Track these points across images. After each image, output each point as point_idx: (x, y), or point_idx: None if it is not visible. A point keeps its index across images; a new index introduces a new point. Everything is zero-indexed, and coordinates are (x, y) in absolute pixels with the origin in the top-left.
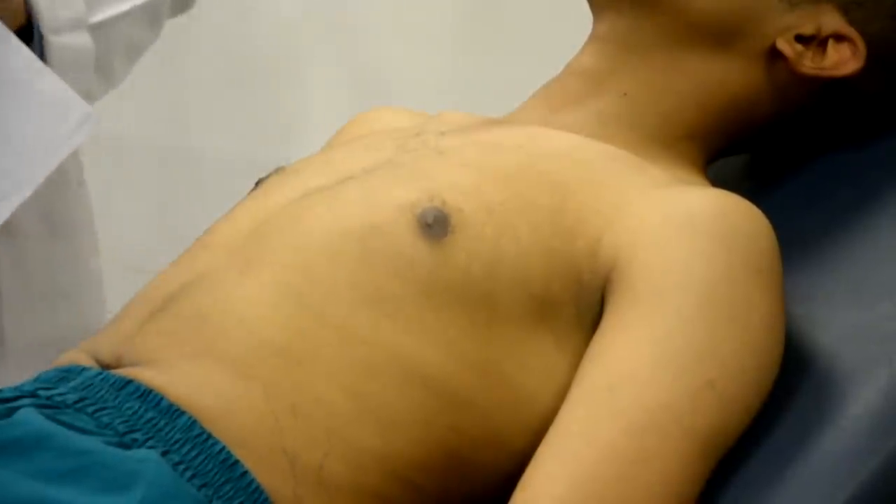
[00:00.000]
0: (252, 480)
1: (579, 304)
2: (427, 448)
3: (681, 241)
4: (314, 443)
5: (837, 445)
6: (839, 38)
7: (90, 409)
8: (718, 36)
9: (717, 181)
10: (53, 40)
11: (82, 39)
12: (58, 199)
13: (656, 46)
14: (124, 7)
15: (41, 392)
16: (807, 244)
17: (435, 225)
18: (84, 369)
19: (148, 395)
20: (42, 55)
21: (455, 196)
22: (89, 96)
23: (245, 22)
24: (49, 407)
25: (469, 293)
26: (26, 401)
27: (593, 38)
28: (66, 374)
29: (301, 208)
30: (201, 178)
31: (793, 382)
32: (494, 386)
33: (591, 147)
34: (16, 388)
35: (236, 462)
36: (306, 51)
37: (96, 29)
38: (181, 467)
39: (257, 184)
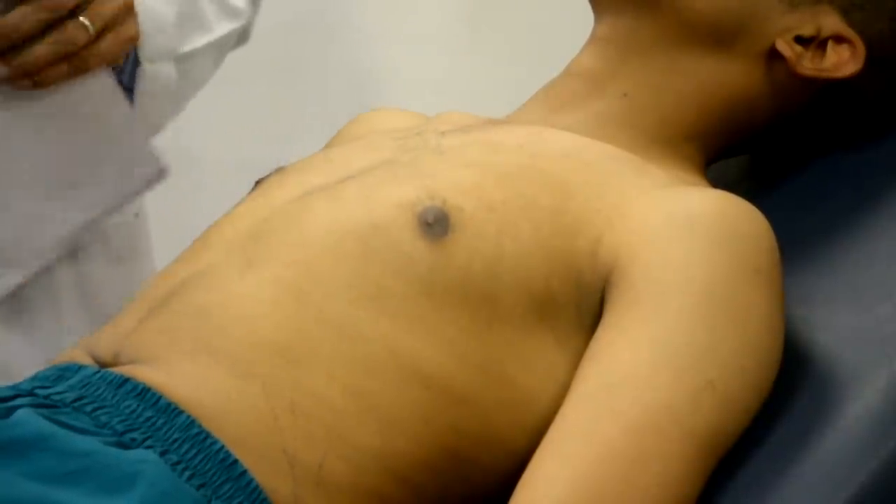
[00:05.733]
0: (251, 480)
1: (580, 304)
2: (427, 447)
3: (681, 242)
4: (313, 442)
5: (837, 446)
6: (839, 39)
7: (88, 408)
8: (718, 37)
9: (718, 182)
10: (147, 68)
11: (168, 69)
12: (117, 228)
13: (656, 47)
14: (206, 39)
15: (38, 391)
16: (806, 245)
17: (435, 224)
18: (81, 367)
19: (146, 394)
20: (132, 80)
21: (456, 195)
22: (160, 126)
23: None
24: (47, 406)
25: (470, 292)
26: (24, 400)
27: (594, 38)
28: (64, 372)
29: (302, 207)
30: (200, 179)
31: (792, 383)
32: (495, 385)
33: (592, 147)
34: (13, 387)
35: (235, 461)
36: (305, 52)
37: (181, 60)
38: (180, 467)
39: (257, 184)
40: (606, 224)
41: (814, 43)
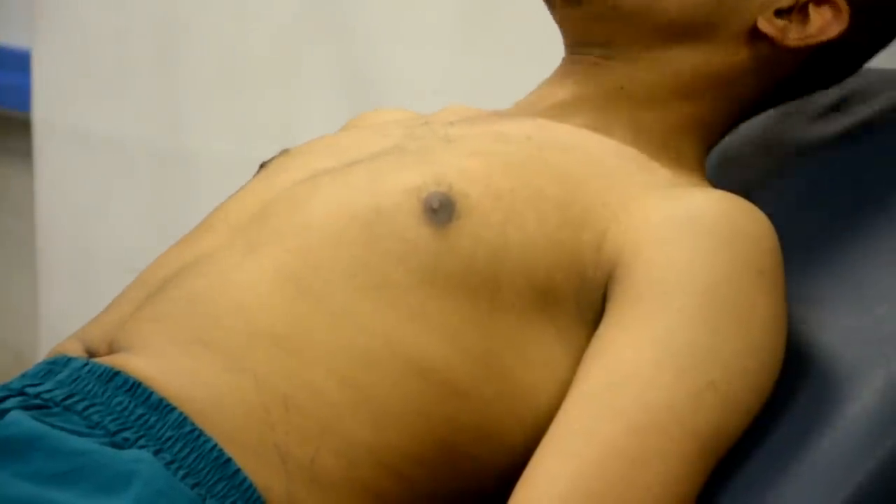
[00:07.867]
0: (245, 479)
1: (581, 298)
2: (421, 440)
3: (684, 242)
4: (306, 437)
5: (835, 446)
6: (819, 1)
7: (79, 407)
8: (698, 28)
9: (719, 182)
10: None
11: None
12: None
13: (638, 48)
14: None
15: (29, 390)
16: (807, 246)
17: (440, 210)
18: (70, 360)
19: (137, 389)
20: None
21: (462, 181)
22: None
23: (241, 23)
24: (38, 407)
25: (472, 280)
26: (14, 400)
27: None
28: (53, 366)
29: (307, 190)
30: (198, 179)
31: (791, 383)
32: (494, 377)
33: (598, 142)
34: (2, 387)
35: (228, 460)
36: (302, 52)
37: None
38: (174, 466)
39: (261, 166)
40: (612, 218)
41: (794, 10)
